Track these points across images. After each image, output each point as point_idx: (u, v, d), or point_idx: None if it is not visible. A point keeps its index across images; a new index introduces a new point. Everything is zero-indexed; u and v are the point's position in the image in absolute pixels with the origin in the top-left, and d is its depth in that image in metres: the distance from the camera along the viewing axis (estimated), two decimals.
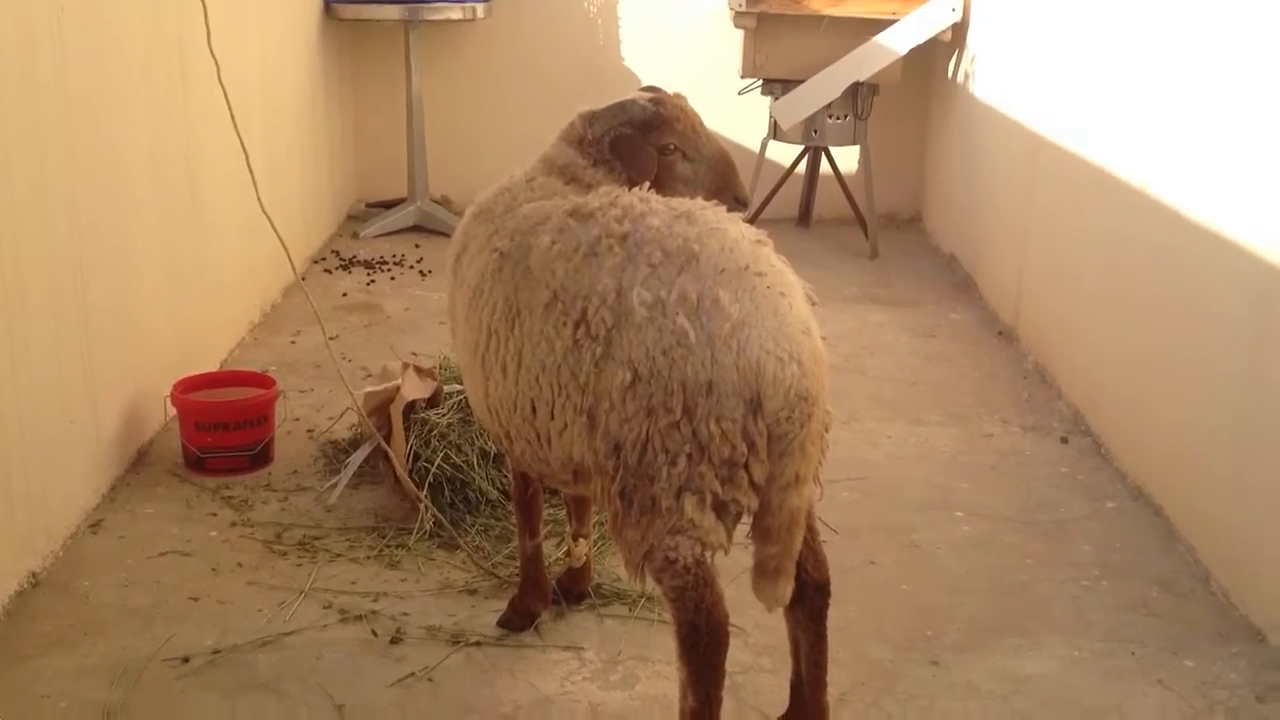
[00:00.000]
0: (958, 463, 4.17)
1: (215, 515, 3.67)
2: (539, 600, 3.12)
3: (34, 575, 3.24)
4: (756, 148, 6.78)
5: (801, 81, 6.49)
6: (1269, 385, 3.15)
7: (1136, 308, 4.02)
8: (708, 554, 2.32)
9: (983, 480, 4.04)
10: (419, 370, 3.88)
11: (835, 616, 2.56)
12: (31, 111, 3.24)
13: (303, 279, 5.89)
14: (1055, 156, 4.87)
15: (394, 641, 3.04)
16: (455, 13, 6.72)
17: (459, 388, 3.71)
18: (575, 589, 3.22)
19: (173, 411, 4.09)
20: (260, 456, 3.97)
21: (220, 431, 3.89)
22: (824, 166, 7.08)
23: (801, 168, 7.11)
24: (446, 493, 3.58)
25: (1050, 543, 3.63)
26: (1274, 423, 3.12)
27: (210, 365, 4.61)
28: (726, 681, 2.38)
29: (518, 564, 3.18)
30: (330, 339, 4.25)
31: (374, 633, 3.07)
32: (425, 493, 3.52)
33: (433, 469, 3.57)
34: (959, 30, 6.52)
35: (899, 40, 6.41)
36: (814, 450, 2.31)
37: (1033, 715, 2.84)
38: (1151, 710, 2.86)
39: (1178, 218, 3.68)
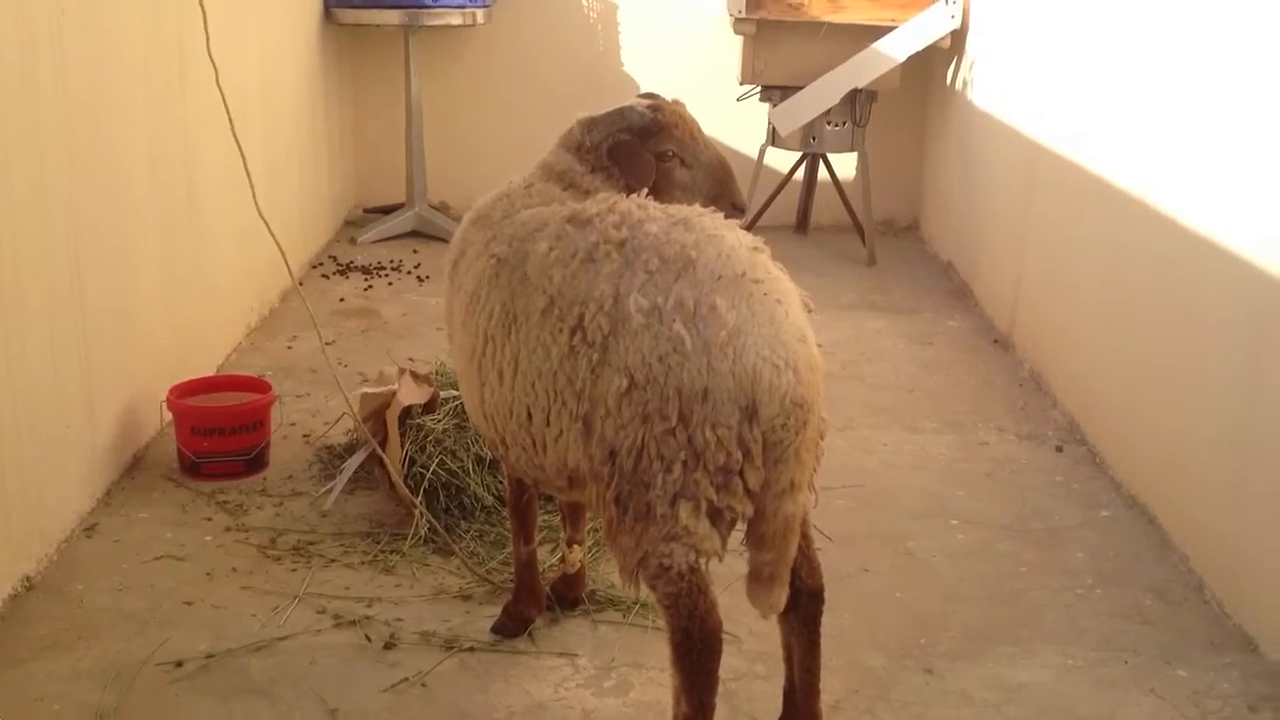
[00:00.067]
0: (953, 471, 4.17)
1: (210, 520, 3.67)
2: (533, 606, 3.12)
3: (28, 579, 3.24)
4: (755, 154, 6.78)
5: (800, 88, 6.50)
6: (1265, 395, 3.15)
7: (1133, 316, 4.03)
8: (702, 561, 2.33)
9: (978, 488, 4.05)
10: (415, 376, 3.89)
11: (829, 624, 2.56)
12: (31, 114, 3.25)
13: (300, 284, 5.90)
14: (1053, 164, 4.88)
15: (388, 647, 3.04)
16: (455, 18, 6.72)
17: (455, 393, 3.71)
18: (569, 595, 3.22)
19: (169, 416, 4.09)
20: (256, 461, 3.97)
21: (216, 436, 3.90)
22: (822, 173, 7.09)
23: (799, 174, 7.12)
24: (442, 498, 3.58)
25: (1044, 551, 3.64)
26: (1269, 432, 3.12)
27: (207, 370, 4.61)
28: (720, 688, 2.38)
29: (512, 570, 3.18)
30: (327, 344, 4.26)
31: (368, 638, 3.07)
32: (420, 498, 3.52)
33: (428, 474, 3.57)
34: (958, 37, 6.53)
35: (898, 47, 6.42)
36: (809, 457, 2.32)
37: None
38: (1144, 719, 2.86)
39: (1175, 226, 3.69)
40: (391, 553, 3.47)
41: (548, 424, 2.43)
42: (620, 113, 2.90)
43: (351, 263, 6.45)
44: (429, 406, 3.78)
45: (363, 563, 3.43)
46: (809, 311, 2.40)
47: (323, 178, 6.64)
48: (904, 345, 5.46)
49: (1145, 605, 3.35)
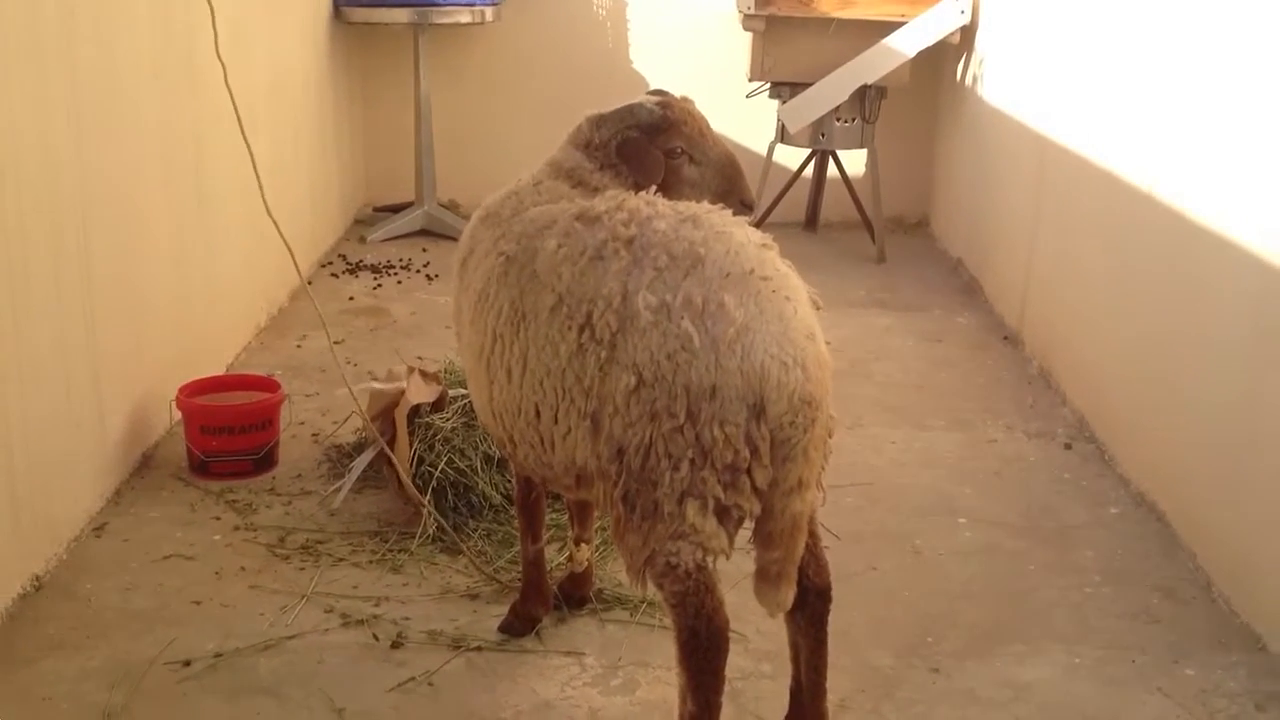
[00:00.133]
0: (962, 468, 4.17)
1: (219, 519, 3.68)
2: (540, 605, 3.12)
3: (37, 578, 3.25)
4: (764, 151, 6.78)
5: (809, 84, 6.49)
6: (1272, 392, 3.14)
7: (1142, 313, 4.02)
8: (709, 559, 2.32)
9: (986, 486, 4.04)
10: (424, 374, 3.89)
11: (836, 622, 2.56)
12: (40, 115, 3.26)
13: (309, 283, 5.90)
14: (1063, 160, 4.87)
15: (395, 646, 3.04)
16: (464, 16, 6.72)
17: (464, 392, 3.72)
18: (576, 594, 3.22)
19: (178, 415, 4.10)
20: (264, 460, 3.97)
21: (225, 435, 3.90)
22: (831, 170, 7.08)
23: (808, 171, 7.11)
24: (450, 497, 3.59)
25: (1052, 549, 3.63)
26: (1277, 430, 3.11)
27: (216, 369, 4.62)
28: (726, 687, 2.38)
29: (519, 569, 3.18)
30: (336, 343, 4.26)
31: (375, 637, 3.08)
32: (428, 497, 3.52)
33: (436, 473, 3.58)
34: (967, 33, 6.51)
35: (907, 43, 6.41)
36: (817, 455, 2.31)
37: None
38: (1151, 718, 2.85)
39: (1184, 222, 3.68)
40: (399, 552, 3.47)
41: (556, 422, 2.43)
42: (629, 110, 2.90)
43: (361, 261, 6.46)
44: (437, 405, 3.78)
45: (371, 562, 3.43)
46: (817, 309, 2.39)
47: (332, 176, 6.65)
48: (913, 342, 5.45)
49: (1153, 604, 3.34)
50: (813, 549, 2.48)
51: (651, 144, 2.87)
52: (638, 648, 3.07)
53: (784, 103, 6.61)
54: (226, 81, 3.48)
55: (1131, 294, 4.11)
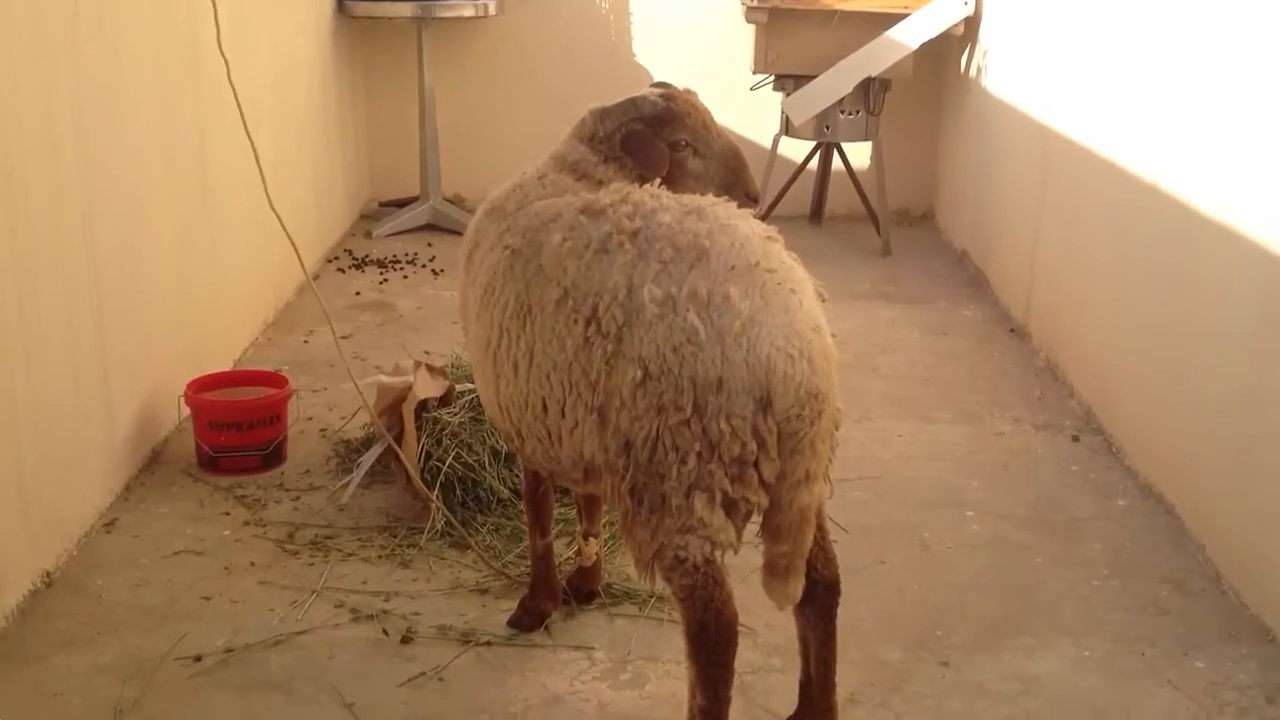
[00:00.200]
0: (969, 461, 4.16)
1: (228, 514, 3.69)
2: (549, 600, 3.12)
3: (48, 574, 3.25)
4: (768, 144, 6.77)
5: (813, 77, 6.48)
6: (1279, 382, 3.14)
7: (1148, 304, 4.01)
8: (717, 553, 2.32)
9: (994, 479, 4.03)
10: (431, 369, 3.89)
11: (845, 616, 2.56)
12: (45, 113, 3.26)
13: (315, 278, 5.92)
14: (1068, 151, 4.86)
15: (405, 641, 3.05)
16: (468, 10, 6.72)
17: (471, 387, 3.72)
18: (585, 588, 3.22)
19: (186, 411, 4.10)
20: (273, 456, 3.98)
21: (233, 431, 3.91)
22: (836, 162, 7.07)
23: (813, 164, 7.10)
24: (458, 492, 3.59)
25: (1061, 542, 3.62)
26: None
27: (224, 364, 4.62)
28: (736, 681, 2.39)
29: (528, 563, 3.19)
30: (342, 338, 4.27)
31: (385, 632, 3.08)
32: (436, 492, 3.53)
33: (444, 468, 3.58)
34: (971, 24, 6.50)
35: (911, 35, 6.40)
36: (824, 448, 2.31)
37: (1041, 715, 2.83)
38: (1160, 711, 2.85)
39: (1191, 213, 3.67)
40: (409, 547, 3.48)
41: (563, 416, 2.43)
42: (633, 102, 2.89)
43: (367, 256, 6.46)
44: (444, 400, 3.79)
45: (380, 557, 3.44)
46: (823, 301, 2.39)
47: (337, 172, 6.65)
48: (919, 335, 5.45)
49: (1162, 596, 3.34)
50: (821, 542, 2.48)
51: (656, 137, 2.87)
52: (647, 642, 3.07)
53: (788, 95, 6.61)
54: (229, 77, 3.48)
55: (1138, 285, 4.11)
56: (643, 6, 7.29)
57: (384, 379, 3.83)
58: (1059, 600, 3.31)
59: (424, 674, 2.92)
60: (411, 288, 6.02)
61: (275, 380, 4.20)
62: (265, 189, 3.48)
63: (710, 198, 2.49)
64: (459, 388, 3.83)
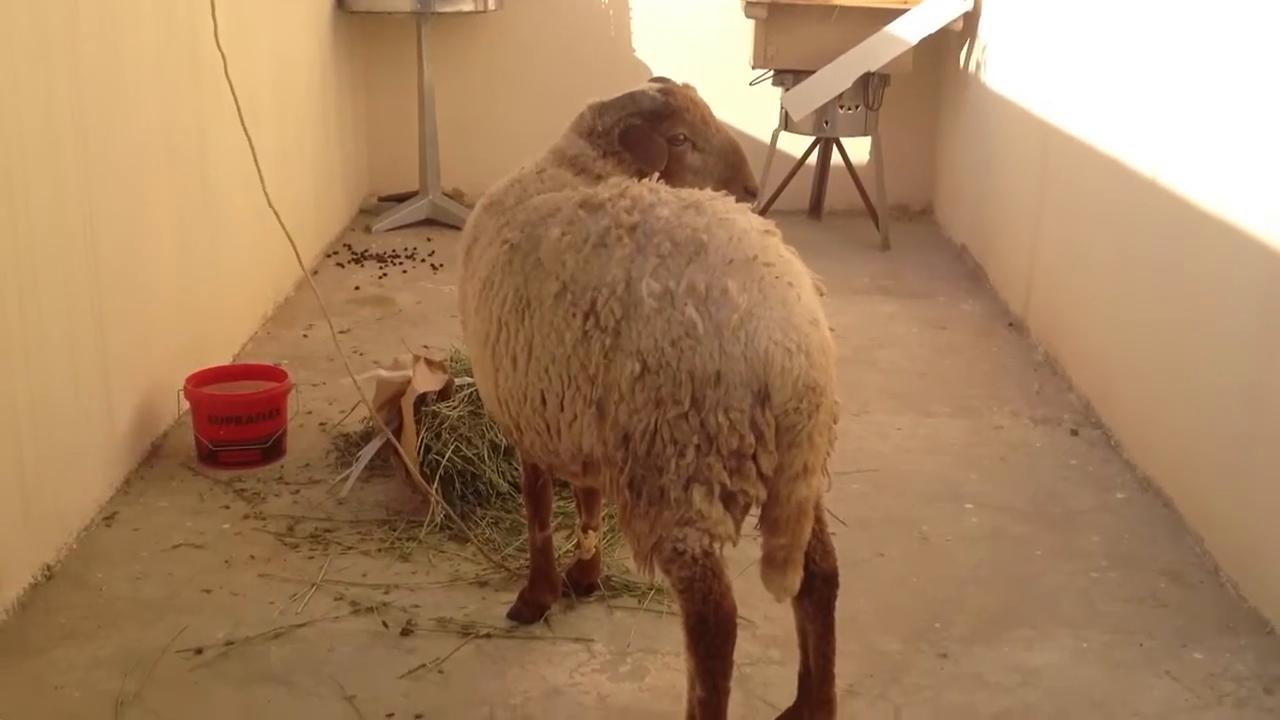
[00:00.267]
0: (967, 455, 4.17)
1: (228, 508, 3.69)
2: (548, 592, 3.13)
3: (48, 568, 3.26)
4: (767, 139, 6.78)
5: (812, 72, 6.48)
6: (1278, 376, 3.14)
7: (1147, 298, 4.01)
8: (716, 545, 2.33)
9: (992, 472, 4.04)
10: (430, 363, 3.89)
11: (844, 608, 2.56)
12: (46, 112, 3.26)
13: (314, 273, 5.93)
14: (1067, 146, 4.87)
15: (405, 633, 3.06)
16: (467, 5, 6.72)
17: (470, 380, 3.72)
18: (584, 581, 3.23)
19: (186, 405, 4.11)
20: (273, 450, 3.99)
21: (233, 425, 3.92)
22: (835, 157, 7.07)
23: (812, 159, 7.11)
24: (457, 485, 3.60)
25: (1059, 534, 3.63)
26: None
27: (223, 359, 4.63)
28: (735, 673, 2.39)
29: (528, 556, 3.19)
30: (342, 333, 4.27)
31: (385, 625, 3.09)
32: (436, 486, 3.53)
33: (443, 462, 3.58)
34: (970, 20, 6.50)
35: (910, 30, 6.40)
36: (822, 441, 2.32)
37: (1040, 706, 2.84)
38: (1159, 702, 2.86)
39: (1190, 208, 3.67)
40: (408, 540, 3.48)
41: (561, 409, 2.44)
42: (631, 97, 2.90)
43: (366, 251, 6.47)
44: (444, 393, 3.79)
45: (380, 550, 3.45)
46: (821, 295, 2.39)
47: (336, 166, 6.65)
48: (918, 329, 5.45)
49: (1160, 588, 3.34)
50: (819, 535, 2.49)
51: (654, 131, 2.87)
52: (646, 634, 3.08)
53: (787, 90, 6.61)
54: (226, 72, 3.48)
55: (1137, 279, 4.11)
56: (642, 1, 7.29)
57: (383, 373, 3.84)
58: (1058, 592, 3.32)
59: (424, 666, 2.93)
60: (410, 282, 6.03)
61: (275, 374, 4.20)
62: (263, 186, 3.48)
63: (709, 192, 2.49)
64: (458, 382, 3.84)
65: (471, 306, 2.72)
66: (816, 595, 2.51)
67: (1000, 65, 6.05)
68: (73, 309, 3.43)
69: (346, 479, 3.80)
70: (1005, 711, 2.82)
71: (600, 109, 2.89)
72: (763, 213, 2.54)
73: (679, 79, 3.03)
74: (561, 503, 3.50)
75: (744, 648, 2.75)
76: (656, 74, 3.19)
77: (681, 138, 2.90)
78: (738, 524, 2.33)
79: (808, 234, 6.81)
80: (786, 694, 2.71)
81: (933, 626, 3.14)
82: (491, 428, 3.64)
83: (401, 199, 7.21)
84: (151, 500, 3.73)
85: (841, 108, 6.60)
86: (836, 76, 6.44)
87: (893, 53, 6.42)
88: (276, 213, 3.49)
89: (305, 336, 5.19)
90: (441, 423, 3.67)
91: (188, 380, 4.05)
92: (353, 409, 4.22)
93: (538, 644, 3.04)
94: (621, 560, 3.34)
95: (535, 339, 2.46)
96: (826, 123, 6.65)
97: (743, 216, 2.40)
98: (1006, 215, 5.78)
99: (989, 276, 6.03)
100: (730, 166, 2.94)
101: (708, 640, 2.34)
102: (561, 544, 3.38)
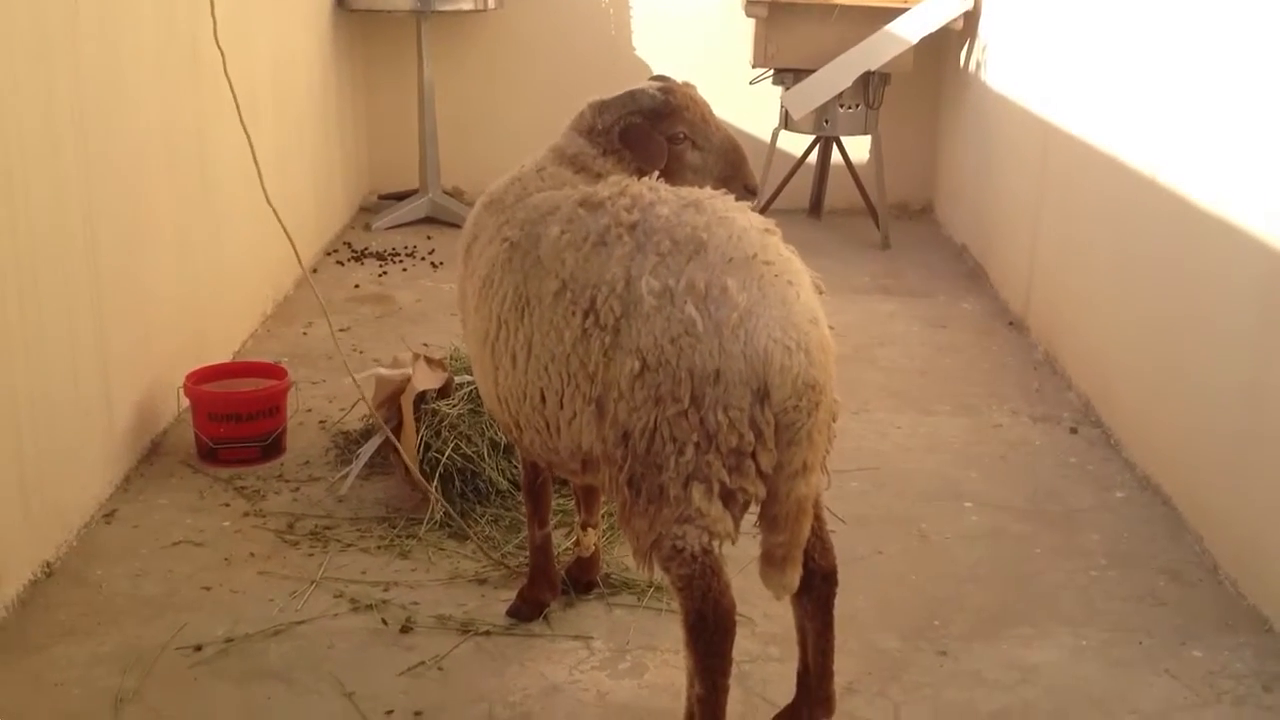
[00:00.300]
0: (967, 453, 4.17)
1: (228, 505, 3.70)
2: (548, 590, 3.13)
3: (48, 565, 3.26)
4: (767, 137, 6.78)
5: (813, 71, 6.48)
6: (1277, 374, 3.14)
7: (1146, 297, 4.02)
8: (715, 543, 2.33)
9: (992, 470, 4.05)
10: (430, 361, 3.90)
11: (843, 606, 2.57)
12: (46, 111, 3.26)
13: (314, 271, 5.93)
14: (1067, 146, 4.87)
15: (404, 631, 3.06)
16: (467, 3, 6.72)
17: (470, 378, 3.72)
18: (584, 579, 3.23)
19: (186, 402, 4.11)
20: (272, 447, 3.99)
21: (233, 422, 3.92)
22: (835, 156, 7.07)
23: (812, 158, 7.11)
24: (457, 483, 3.60)
25: (1059, 533, 3.63)
26: None
27: (223, 356, 4.63)
28: (734, 670, 2.40)
29: (527, 554, 3.19)
30: (341, 330, 4.27)
31: (384, 622, 3.09)
32: (435, 483, 3.54)
33: (443, 459, 3.59)
34: (971, 19, 6.50)
35: (910, 29, 6.40)
36: (821, 439, 2.32)
37: (1039, 704, 2.84)
38: (1158, 700, 2.86)
39: (1190, 207, 3.67)
40: (408, 537, 3.49)
41: (561, 407, 2.44)
42: (631, 95, 2.90)
43: (366, 249, 6.47)
44: (443, 391, 3.79)
45: (379, 547, 3.45)
46: (820, 293, 2.40)
47: (336, 164, 6.65)
48: (918, 328, 5.46)
49: (1159, 586, 3.35)
50: (818, 532, 2.49)
51: (654, 129, 2.87)
52: (645, 631, 3.08)
53: (787, 89, 6.61)
54: (225, 70, 3.48)
55: (1136, 278, 4.11)
56: (642, 0, 7.29)
57: (383, 371, 3.84)
58: (1057, 590, 3.33)
59: (423, 663, 2.93)
60: (410, 280, 6.03)
61: (274, 372, 4.21)
62: (263, 185, 3.48)
63: (708, 191, 2.49)
64: (457, 379, 3.84)
65: (471, 304, 2.72)
66: (815, 593, 2.51)
67: (1000, 64, 6.05)
68: (73, 307, 3.43)
69: (346, 476, 3.80)
70: (1004, 709, 2.82)
71: (600, 107, 2.89)
72: (763, 211, 2.54)
73: (679, 77, 3.04)
74: (561, 500, 3.50)
75: (743, 645, 2.75)
76: (656, 72, 3.19)
77: (681, 136, 2.90)
78: (737, 522, 2.33)
79: (808, 233, 6.82)
80: (785, 691, 2.71)
81: (932, 624, 3.15)
82: (491, 425, 3.64)
83: (401, 197, 7.22)
84: (151, 497, 3.73)
85: (842, 106, 6.60)
86: (837, 75, 6.44)
87: (893, 52, 6.42)
88: (276, 211, 3.49)
89: (305, 334, 5.19)
90: (441, 420, 3.67)
91: (187, 378, 4.05)
92: (352, 407, 4.22)
93: (537, 641, 3.04)
94: (621, 558, 3.34)
95: (535, 337, 2.46)
96: (826, 121, 6.65)
97: (742, 215, 2.41)
98: (1006, 214, 5.78)
99: (989, 275, 6.03)
100: (730, 165, 2.94)
101: (707, 638, 2.34)
102: (561, 542, 3.38)
